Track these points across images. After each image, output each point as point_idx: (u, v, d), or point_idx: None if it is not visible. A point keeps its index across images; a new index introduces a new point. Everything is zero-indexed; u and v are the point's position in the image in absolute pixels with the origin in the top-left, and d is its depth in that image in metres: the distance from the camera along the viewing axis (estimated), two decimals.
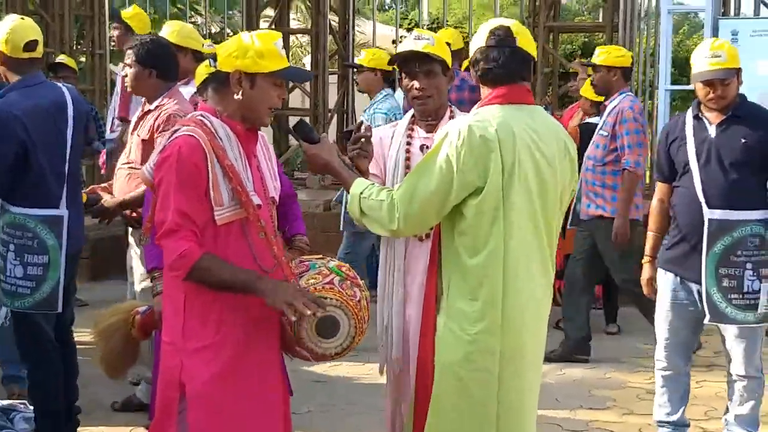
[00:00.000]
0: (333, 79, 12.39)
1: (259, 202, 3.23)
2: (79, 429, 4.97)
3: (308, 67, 12.86)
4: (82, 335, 5.12)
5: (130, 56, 4.89)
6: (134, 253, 5.11)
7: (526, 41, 3.31)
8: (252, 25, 11.92)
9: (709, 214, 4.47)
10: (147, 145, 4.78)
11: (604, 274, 6.90)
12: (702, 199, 4.49)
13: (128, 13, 6.86)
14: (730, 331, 4.61)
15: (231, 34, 13.71)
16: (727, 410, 4.78)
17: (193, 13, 15.99)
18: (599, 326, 7.28)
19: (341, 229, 7.11)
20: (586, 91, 7.59)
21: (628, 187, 6.42)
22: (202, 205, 3.11)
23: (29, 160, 4.47)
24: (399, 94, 7.61)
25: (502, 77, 3.26)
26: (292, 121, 12.51)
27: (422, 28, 13.34)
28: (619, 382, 6.19)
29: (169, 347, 3.23)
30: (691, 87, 4.70)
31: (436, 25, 16.40)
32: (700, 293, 4.54)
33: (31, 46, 4.61)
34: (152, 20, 12.74)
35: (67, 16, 11.19)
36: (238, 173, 3.17)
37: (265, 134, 3.49)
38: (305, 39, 17.94)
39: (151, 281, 3.91)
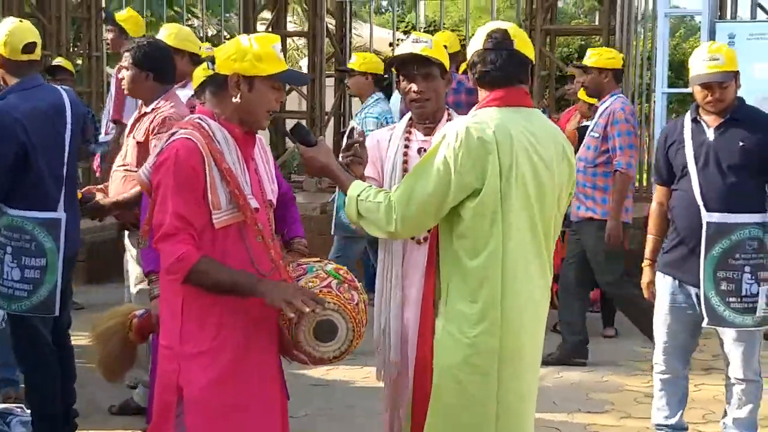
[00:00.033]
0: (330, 82, 12.39)
1: (256, 205, 3.22)
2: None
3: (305, 70, 12.84)
4: (79, 339, 5.11)
5: (127, 59, 4.90)
6: (129, 257, 5.11)
7: (523, 44, 3.31)
8: (249, 27, 11.91)
9: (707, 217, 4.47)
10: (142, 147, 4.78)
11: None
12: (700, 202, 4.49)
13: (122, 15, 6.85)
14: (728, 334, 4.61)
15: (228, 36, 13.71)
16: (725, 414, 4.77)
17: (189, 15, 15.99)
18: (596, 329, 7.28)
19: (332, 233, 7.11)
20: (584, 94, 7.59)
21: (620, 189, 6.43)
22: (200, 208, 3.10)
23: (28, 163, 4.47)
24: (396, 96, 7.61)
25: (499, 80, 3.27)
26: (289, 124, 12.52)
27: (419, 31, 13.36)
28: (616, 386, 6.19)
29: (167, 351, 3.22)
30: (688, 90, 4.70)
31: (432, 28, 16.37)
32: (698, 296, 4.54)
33: (29, 48, 4.61)
34: (149, 23, 12.76)
35: (64, 19, 11.18)
36: (235, 176, 3.16)
37: (263, 137, 3.49)
38: (302, 42, 17.96)
39: (149, 284, 3.91)
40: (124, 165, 4.91)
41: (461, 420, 3.24)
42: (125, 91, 5.09)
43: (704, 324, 4.57)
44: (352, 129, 3.60)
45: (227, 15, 16.11)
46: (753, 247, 4.45)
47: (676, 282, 4.65)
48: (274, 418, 3.32)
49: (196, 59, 5.66)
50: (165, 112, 4.79)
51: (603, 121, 6.51)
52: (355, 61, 7.29)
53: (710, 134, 4.54)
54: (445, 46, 4.10)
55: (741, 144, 4.47)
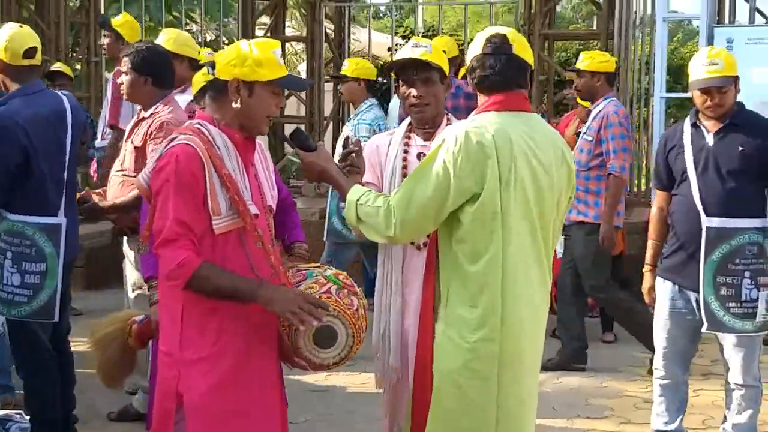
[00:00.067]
0: (328, 87, 12.39)
1: (256, 211, 3.22)
2: None
3: (303, 75, 12.85)
4: (78, 345, 5.11)
5: (125, 63, 4.90)
6: (128, 262, 5.10)
7: (522, 49, 3.32)
8: (247, 32, 11.92)
9: (707, 222, 4.47)
10: (140, 152, 4.79)
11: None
12: (700, 207, 4.49)
13: (118, 21, 6.83)
14: (728, 339, 4.61)
15: (226, 41, 13.71)
16: (725, 419, 4.77)
17: (188, 20, 16.00)
18: (596, 335, 7.27)
19: (324, 239, 7.11)
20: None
21: (614, 192, 6.42)
22: (200, 214, 3.10)
23: (30, 168, 4.48)
24: (395, 101, 7.61)
25: (498, 84, 3.27)
26: (288, 129, 12.51)
27: (417, 35, 13.36)
28: (616, 391, 6.18)
29: (167, 357, 3.21)
30: (686, 94, 4.71)
31: (431, 33, 16.40)
32: (698, 302, 4.54)
33: (30, 53, 4.62)
34: (147, 28, 12.77)
35: (63, 24, 11.19)
36: (235, 182, 3.16)
37: (262, 142, 3.49)
38: (300, 46, 17.97)
39: (149, 290, 3.90)
40: (122, 170, 4.91)
41: (461, 425, 3.24)
42: (124, 96, 5.09)
43: (704, 329, 4.56)
44: (347, 138, 3.60)
45: (225, 20, 16.11)
46: (753, 252, 4.45)
47: (676, 287, 4.65)
48: (274, 424, 3.32)
49: (195, 64, 5.66)
50: (163, 116, 4.79)
51: (596, 125, 6.51)
52: (347, 67, 7.30)
53: (710, 139, 4.54)
54: (444, 51, 4.10)
55: (740, 149, 4.47)
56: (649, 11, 10.16)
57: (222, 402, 3.16)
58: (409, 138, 3.88)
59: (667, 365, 4.76)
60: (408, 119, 3.92)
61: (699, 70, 4.52)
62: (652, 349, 6.48)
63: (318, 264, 3.47)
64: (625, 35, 10.19)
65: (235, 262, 3.16)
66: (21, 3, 11.01)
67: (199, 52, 6.00)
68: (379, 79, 17.23)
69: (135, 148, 4.84)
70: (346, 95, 7.43)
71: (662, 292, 4.71)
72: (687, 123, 4.63)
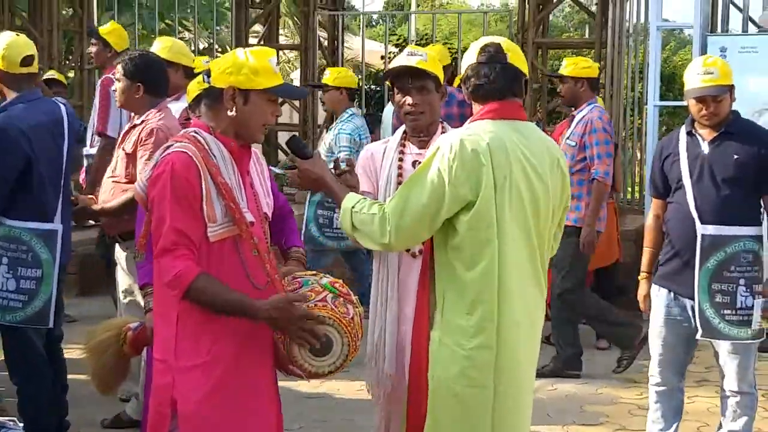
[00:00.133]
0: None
1: (252, 219, 3.22)
2: None
3: (297, 83, 12.87)
4: (71, 351, 5.09)
5: (118, 70, 4.90)
6: (119, 268, 5.09)
7: (517, 58, 3.33)
8: (241, 40, 11.94)
9: (702, 229, 4.48)
10: (131, 158, 4.79)
11: (590, 288, 6.91)
12: (695, 215, 4.50)
13: (106, 29, 6.82)
14: (723, 347, 4.61)
15: (219, 49, 13.72)
16: (720, 426, 4.77)
17: (181, 28, 16.00)
18: (590, 341, 7.27)
19: None
20: None
21: (597, 197, 6.45)
22: (197, 221, 3.09)
23: (31, 174, 4.52)
24: (389, 109, 7.62)
25: (493, 93, 3.28)
26: (282, 136, 12.51)
27: (411, 44, 13.37)
28: (611, 398, 6.18)
29: (161, 365, 3.21)
30: (679, 103, 4.73)
31: (424, 41, 16.43)
32: (693, 309, 4.55)
33: (27, 61, 4.65)
34: (141, 36, 12.79)
35: (56, 32, 11.19)
36: (231, 190, 3.16)
37: (257, 150, 3.49)
38: (292, 54, 17.98)
39: (143, 297, 3.90)
40: (113, 176, 4.92)
41: (458, 430, 3.24)
42: (117, 103, 5.10)
43: (699, 336, 4.57)
44: (337, 160, 3.61)
45: (219, 28, 16.13)
46: (748, 260, 4.46)
47: (671, 294, 4.66)
48: (269, 426, 3.31)
49: (189, 72, 5.67)
50: (153, 123, 4.78)
51: (579, 130, 6.54)
52: (329, 76, 7.33)
53: (705, 147, 4.55)
54: None
55: (735, 157, 4.48)
56: (642, 20, 10.19)
57: (217, 409, 3.15)
58: (404, 146, 3.88)
59: (663, 372, 4.76)
60: (403, 127, 3.92)
61: (694, 79, 4.54)
62: (623, 348, 6.54)
63: (314, 272, 3.46)
64: (618, 44, 10.22)
65: (231, 270, 3.16)
66: (14, 11, 11.02)
67: (194, 61, 6.00)
68: (373, 87, 17.36)
69: (126, 154, 4.84)
70: (328, 104, 7.50)
71: (657, 300, 4.71)
72: (682, 131, 4.64)
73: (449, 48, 10.24)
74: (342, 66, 12.03)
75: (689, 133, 4.61)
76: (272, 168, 3.46)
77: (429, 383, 3.28)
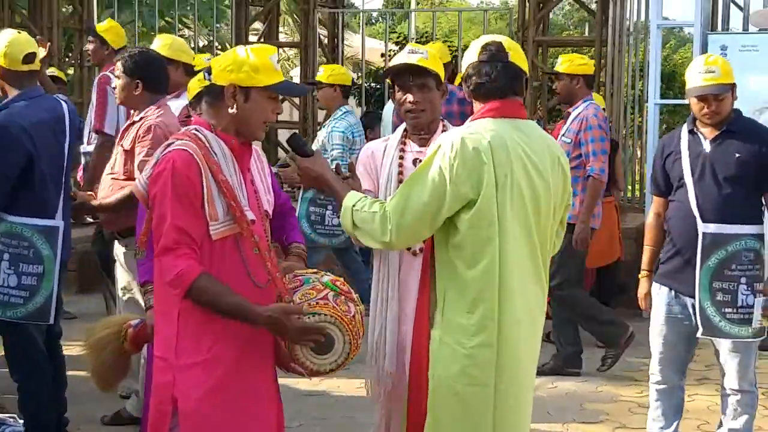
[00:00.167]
0: None
1: (253, 217, 3.21)
2: None
3: (297, 81, 12.87)
4: (71, 348, 5.10)
5: (118, 67, 4.90)
6: (118, 265, 5.09)
7: (518, 57, 3.34)
8: (240, 38, 11.93)
9: (703, 228, 4.48)
10: (129, 155, 4.79)
11: (590, 286, 6.91)
12: (696, 213, 4.50)
13: (103, 26, 6.82)
14: (724, 345, 4.61)
15: (219, 47, 13.71)
16: (720, 424, 4.77)
17: (181, 26, 15.99)
18: (590, 339, 7.26)
19: None
20: None
21: (592, 194, 6.44)
22: (198, 219, 3.09)
23: (33, 171, 4.54)
24: (389, 107, 7.62)
25: (494, 91, 3.28)
26: (282, 134, 12.50)
27: (411, 41, 13.38)
28: (611, 396, 6.18)
29: (162, 362, 3.20)
30: (679, 101, 4.73)
31: (424, 39, 16.42)
32: (694, 307, 4.55)
33: (29, 58, 4.67)
34: (141, 33, 12.78)
35: (56, 29, 11.19)
36: (232, 188, 3.15)
37: (257, 147, 3.49)
38: (292, 51, 17.97)
39: (144, 295, 3.89)
40: (112, 173, 4.92)
41: (458, 429, 3.24)
42: (117, 100, 5.09)
43: (699, 334, 4.57)
44: (338, 166, 3.60)
45: (218, 25, 16.12)
46: (749, 259, 4.46)
47: (672, 292, 4.66)
48: (270, 430, 3.31)
49: (189, 70, 5.66)
50: (151, 120, 4.78)
51: (575, 127, 6.54)
52: (322, 74, 7.33)
53: (707, 146, 4.55)
54: None
55: (737, 156, 4.48)
56: (642, 18, 10.19)
57: (217, 407, 3.15)
58: (404, 144, 3.88)
59: (664, 370, 4.76)
60: (403, 125, 3.92)
61: (696, 77, 4.53)
62: (609, 346, 6.53)
63: (315, 270, 3.46)
64: (618, 42, 10.22)
65: (232, 268, 3.15)
66: (14, 8, 11.01)
67: (194, 58, 5.99)
68: (373, 84, 17.35)
69: (124, 151, 4.84)
70: (322, 101, 7.50)
71: (658, 298, 4.71)
72: (684, 129, 4.64)
73: (449, 46, 10.26)
74: (342, 64, 12.04)
75: (691, 132, 4.61)
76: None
77: (429, 382, 3.28)
